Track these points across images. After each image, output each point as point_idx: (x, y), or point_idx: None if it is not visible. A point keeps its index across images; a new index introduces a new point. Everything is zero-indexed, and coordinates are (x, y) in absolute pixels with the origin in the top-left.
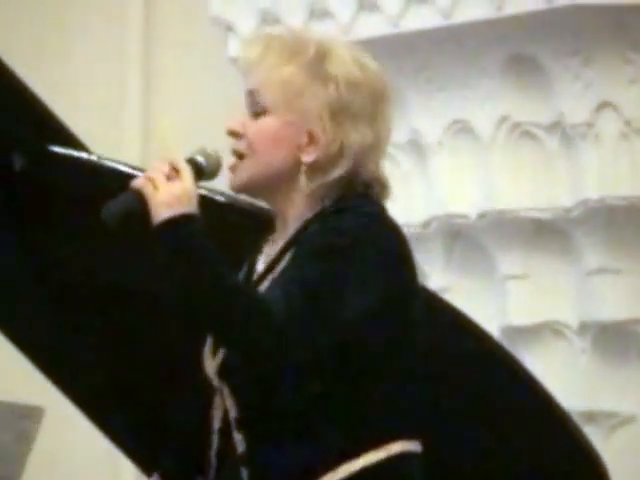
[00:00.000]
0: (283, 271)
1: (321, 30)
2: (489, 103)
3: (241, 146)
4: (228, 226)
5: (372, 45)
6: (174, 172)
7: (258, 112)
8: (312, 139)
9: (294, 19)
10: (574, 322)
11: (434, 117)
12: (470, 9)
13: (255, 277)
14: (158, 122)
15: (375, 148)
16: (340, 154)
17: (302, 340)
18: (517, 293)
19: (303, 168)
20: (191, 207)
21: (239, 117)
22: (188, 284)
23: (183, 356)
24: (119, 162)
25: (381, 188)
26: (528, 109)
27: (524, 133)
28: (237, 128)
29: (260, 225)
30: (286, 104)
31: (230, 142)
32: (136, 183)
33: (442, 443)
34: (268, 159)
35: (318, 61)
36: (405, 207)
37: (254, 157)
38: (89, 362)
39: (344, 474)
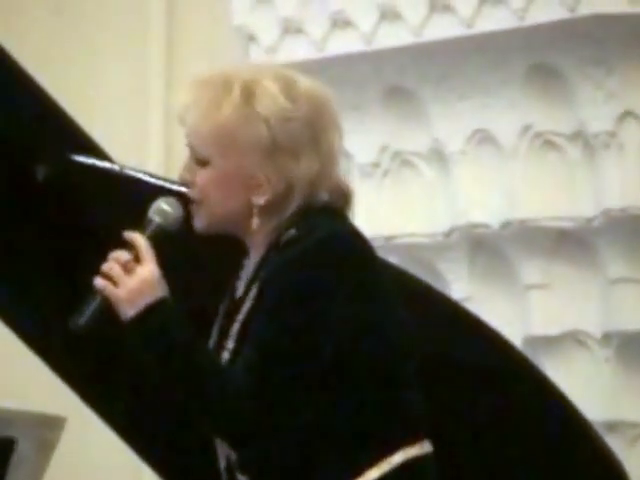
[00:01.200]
0: (248, 313)
1: (341, 40)
2: (511, 112)
3: (194, 194)
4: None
5: (394, 54)
6: (133, 256)
7: (201, 161)
8: (257, 182)
9: (316, 29)
10: (597, 332)
11: (456, 126)
12: (492, 18)
13: (228, 311)
14: (181, 131)
15: (324, 174)
16: (289, 191)
17: (279, 405)
18: (540, 303)
19: (255, 210)
20: (154, 294)
21: (186, 166)
22: (160, 375)
23: None
24: (142, 172)
25: (341, 198)
26: (551, 118)
27: (546, 142)
28: (188, 178)
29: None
30: (221, 154)
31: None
32: (97, 284)
33: (461, 452)
34: (220, 206)
35: (245, 102)
36: (427, 216)
37: (207, 204)
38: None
39: None
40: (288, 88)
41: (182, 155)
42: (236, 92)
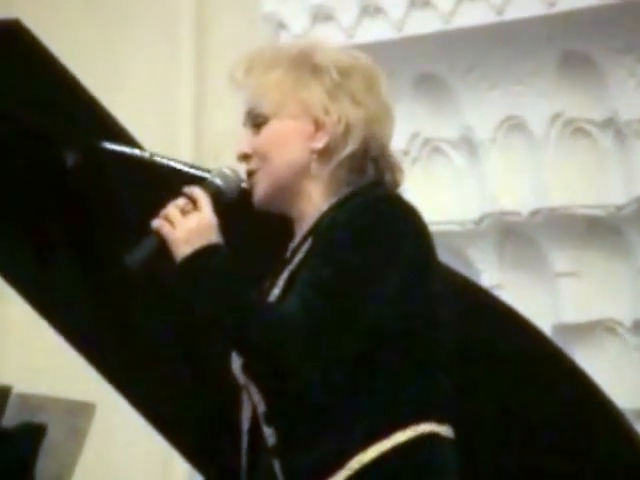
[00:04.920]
0: (300, 264)
1: (371, 27)
2: (542, 100)
3: (253, 164)
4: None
5: (424, 42)
6: (191, 203)
7: (260, 123)
8: (318, 125)
9: (345, 16)
10: (627, 320)
11: (487, 114)
12: (523, 6)
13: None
14: (211, 120)
15: (381, 120)
16: (347, 131)
17: (325, 344)
18: (570, 290)
19: (314, 156)
20: (210, 238)
21: (244, 140)
22: (210, 317)
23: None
24: (172, 159)
25: (394, 172)
26: (581, 106)
27: (577, 130)
28: (245, 150)
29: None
30: (285, 101)
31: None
32: (154, 224)
33: (487, 439)
34: (282, 159)
35: (305, 57)
36: (458, 204)
37: (269, 164)
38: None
39: (374, 454)
40: (346, 51)
41: (212, 142)
42: (295, 50)
